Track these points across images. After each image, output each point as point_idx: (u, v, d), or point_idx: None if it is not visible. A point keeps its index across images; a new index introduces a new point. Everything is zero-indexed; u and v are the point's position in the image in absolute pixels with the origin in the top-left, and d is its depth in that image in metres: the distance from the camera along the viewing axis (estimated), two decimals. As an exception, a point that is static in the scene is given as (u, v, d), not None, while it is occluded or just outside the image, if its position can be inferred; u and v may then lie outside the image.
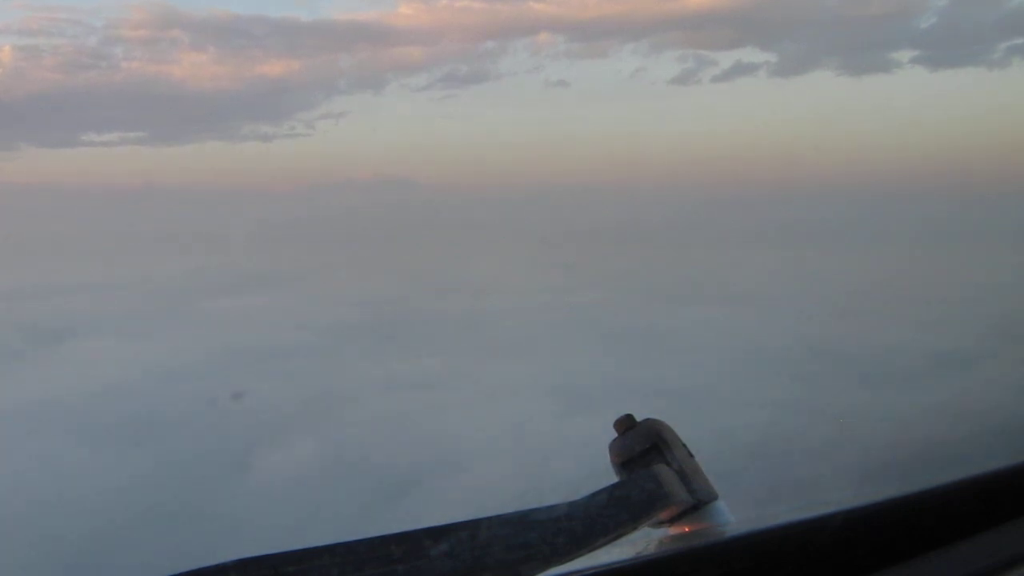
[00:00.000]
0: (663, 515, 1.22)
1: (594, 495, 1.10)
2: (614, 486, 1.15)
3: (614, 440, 1.33)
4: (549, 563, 1.00)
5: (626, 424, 1.33)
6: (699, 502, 1.26)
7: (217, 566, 0.88)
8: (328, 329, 48.47)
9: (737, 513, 1.29)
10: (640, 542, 1.20)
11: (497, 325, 48.62)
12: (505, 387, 33.80)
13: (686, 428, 1.35)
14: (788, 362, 32.47)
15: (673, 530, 1.26)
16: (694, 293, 53.66)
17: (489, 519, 1.00)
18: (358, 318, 51.98)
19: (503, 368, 37.17)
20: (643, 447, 1.30)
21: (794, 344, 36.00)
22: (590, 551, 1.04)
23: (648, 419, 1.34)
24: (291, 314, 55.00)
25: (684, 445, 1.32)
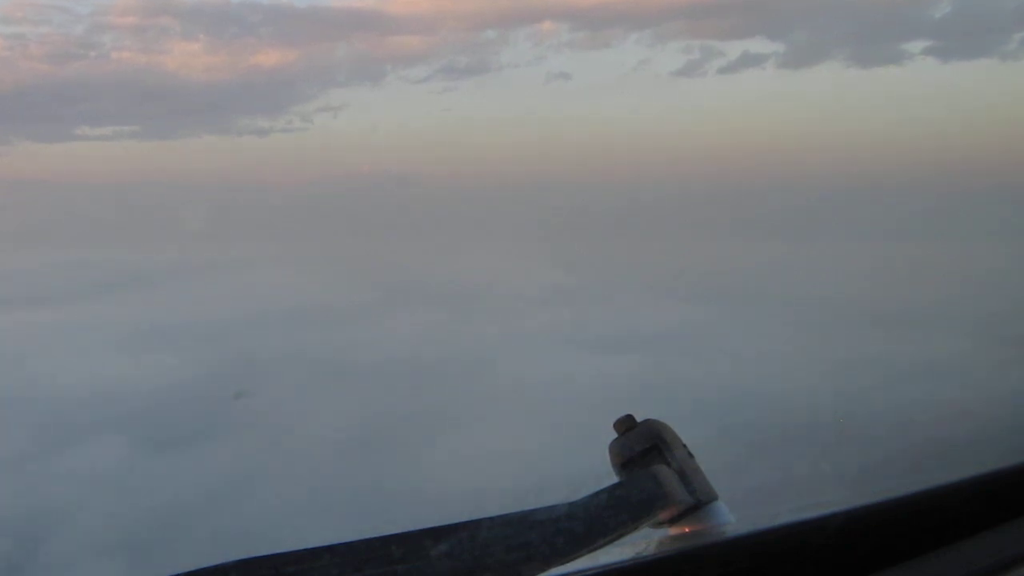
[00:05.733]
0: (663, 515, 1.22)
1: (594, 495, 1.10)
2: (614, 486, 1.15)
3: (614, 440, 1.33)
4: (549, 563, 1.00)
5: (626, 424, 1.33)
6: (699, 502, 1.26)
7: (217, 566, 0.88)
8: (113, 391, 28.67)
9: (737, 513, 1.29)
10: (640, 542, 1.20)
11: (472, 376, 29.71)
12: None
13: (685, 428, 1.35)
14: (788, 361, 32.47)
15: (673, 530, 1.26)
16: (697, 289, 53.12)
17: (490, 519, 1.01)
18: (228, 363, 31.73)
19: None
20: (643, 447, 1.30)
21: (795, 342, 36.02)
22: (590, 551, 1.04)
23: (648, 419, 1.35)
24: (109, 341, 37.71)
25: (684, 445, 1.32)
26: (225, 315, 43.61)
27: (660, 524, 1.25)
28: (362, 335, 38.83)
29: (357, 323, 41.94)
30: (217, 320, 42.48)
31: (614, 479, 1.28)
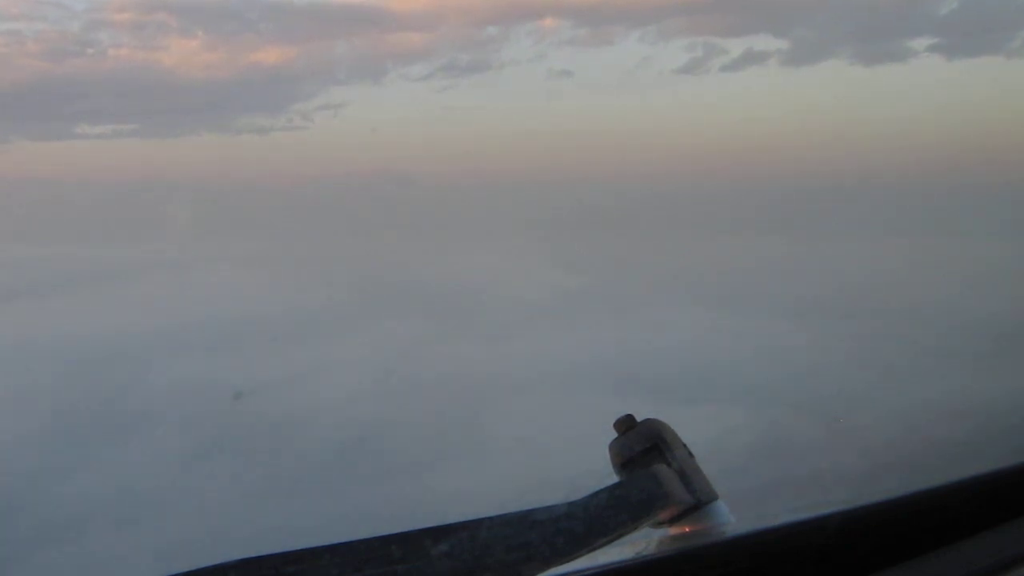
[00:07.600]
0: (663, 515, 1.22)
1: (594, 495, 1.10)
2: (614, 486, 1.15)
3: (614, 440, 1.33)
4: (549, 563, 1.00)
5: (626, 424, 1.33)
6: (699, 502, 1.26)
7: (217, 566, 0.88)
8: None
9: (737, 513, 1.29)
10: (640, 542, 1.20)
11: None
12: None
13: (686, 428, 1.35)
14: (788, 361, 32.46)
15: (673, 530, 1.26)
16: (698, 289, 53.01)
17: (489, 519, 1.01)
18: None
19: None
20: (643, 447, 1.30)
21: (795, 341, 36.00)
22: (590, 551, 1.04)
23: (648, 419, 1.35)
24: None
25: (684, 445, 1.32)
26: (160, 326, 34.43)
27: (660, 524, 1.25)
28: (330, 354, 29.59)
29: (335, 335, 33.21)
30: (143, 332, 32.50)
31: (614, 479, 1.28)
